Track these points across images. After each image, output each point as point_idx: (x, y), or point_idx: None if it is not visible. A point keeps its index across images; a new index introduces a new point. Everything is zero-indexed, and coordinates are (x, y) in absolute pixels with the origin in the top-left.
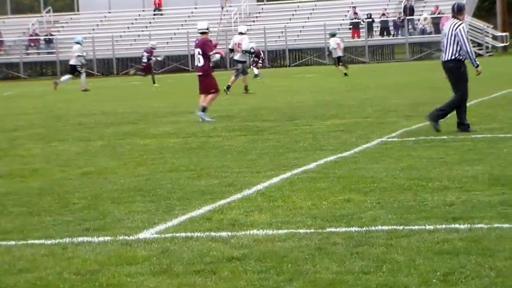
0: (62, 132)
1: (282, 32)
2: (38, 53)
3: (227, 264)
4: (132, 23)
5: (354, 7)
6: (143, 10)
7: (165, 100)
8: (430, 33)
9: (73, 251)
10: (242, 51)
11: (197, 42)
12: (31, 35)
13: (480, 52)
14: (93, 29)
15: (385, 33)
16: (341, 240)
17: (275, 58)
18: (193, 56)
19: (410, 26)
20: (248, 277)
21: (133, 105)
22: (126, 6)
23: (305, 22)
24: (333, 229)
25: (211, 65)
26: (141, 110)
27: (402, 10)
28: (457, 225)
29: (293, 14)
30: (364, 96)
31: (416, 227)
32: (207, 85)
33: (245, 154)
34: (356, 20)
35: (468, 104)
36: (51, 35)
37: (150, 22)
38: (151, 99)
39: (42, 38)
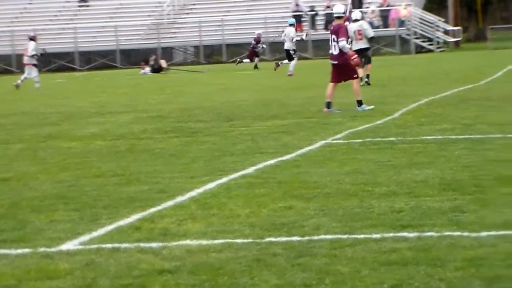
0: None
1: (219, 25)
2: None
3: (157, 277)
4: (56, 16)
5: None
6: (68, 1)
7: (90, 99)
8: (378, 27)
9: None
10: (369, 37)
11: (331, 28)
12: None
13: (431, 47)
14: (12, 21)
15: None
16: (281, 250)
17: (211, 53)
18: (122, 51)
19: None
20: None
21: (56, 104)
22: None
23: (244, 14)
24: (272, 239)
25: (344, 51)
26: (65, 109)
27: (349, 2)
28: (405, 234)
29: (231, 6)
30: (307, 95)
31: (362, 235)
32: (347, 72)
33: (178, 157)
34: (298, 13)
35: (417, 103)
36: None
37: (75, 15)
38: (75, 98)
39: None
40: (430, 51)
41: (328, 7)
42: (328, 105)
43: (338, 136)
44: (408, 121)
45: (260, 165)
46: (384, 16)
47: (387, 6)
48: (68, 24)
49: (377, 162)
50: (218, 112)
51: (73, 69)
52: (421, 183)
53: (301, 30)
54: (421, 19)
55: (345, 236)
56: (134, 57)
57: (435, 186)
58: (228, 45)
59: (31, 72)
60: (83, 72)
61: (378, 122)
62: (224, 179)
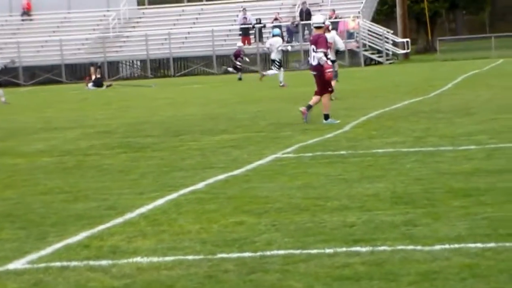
0: None
1: (165, 39)
2: None
3: None
4: None
5: (245, 11)
6: (10, 15)
7: (36, 115)
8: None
9: None
10: (337, 51)
11: (311, 38)
12: None
13: (380, 59)
14: None
15: None
16: (233, 266)
17: (158, 67)
18: (67, 66)
19: (306, 32)
20: None
21: (1, 120)
22: None
23: (191, 28)
24: (224, 255)
25: (321, 63)
26: (10, 125)
27: (297, 14)
28: (358, 248)
29: (177, 19)
30: (257, 109)
31: (315, 250)
32: (324, 85)
33: (127, 173)
34: (246, 26)
35: (367, 116)
36: None
37: (18, 29)
38: (20, 114)
39: None
40: (379, 63)
41: (276, 19)
42: (309, 107)
43: (288, 150)
44: (358, 134)
45: (210, 180)
46: (333, 28)
47: (335, 18)
48: (11, 38)
49: (328, 176)
50: (166, 126)
51: (17, 85)
52: (372, 196)
53: (249, 43)
54: (369, 31)
55: (298, 252)
56: (79, 72)
57: (387, 200)
58: (175, 59)
59: None
60: (27, 88)
61: (329, 135)
62: (173, 195)
